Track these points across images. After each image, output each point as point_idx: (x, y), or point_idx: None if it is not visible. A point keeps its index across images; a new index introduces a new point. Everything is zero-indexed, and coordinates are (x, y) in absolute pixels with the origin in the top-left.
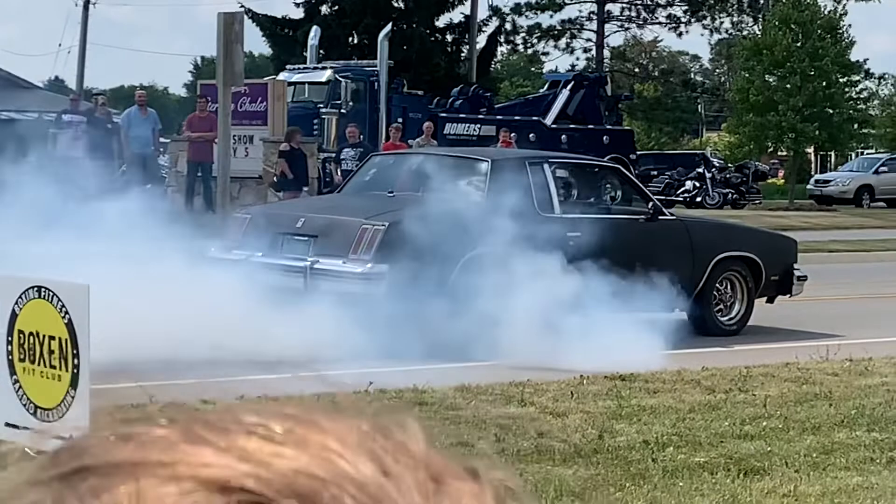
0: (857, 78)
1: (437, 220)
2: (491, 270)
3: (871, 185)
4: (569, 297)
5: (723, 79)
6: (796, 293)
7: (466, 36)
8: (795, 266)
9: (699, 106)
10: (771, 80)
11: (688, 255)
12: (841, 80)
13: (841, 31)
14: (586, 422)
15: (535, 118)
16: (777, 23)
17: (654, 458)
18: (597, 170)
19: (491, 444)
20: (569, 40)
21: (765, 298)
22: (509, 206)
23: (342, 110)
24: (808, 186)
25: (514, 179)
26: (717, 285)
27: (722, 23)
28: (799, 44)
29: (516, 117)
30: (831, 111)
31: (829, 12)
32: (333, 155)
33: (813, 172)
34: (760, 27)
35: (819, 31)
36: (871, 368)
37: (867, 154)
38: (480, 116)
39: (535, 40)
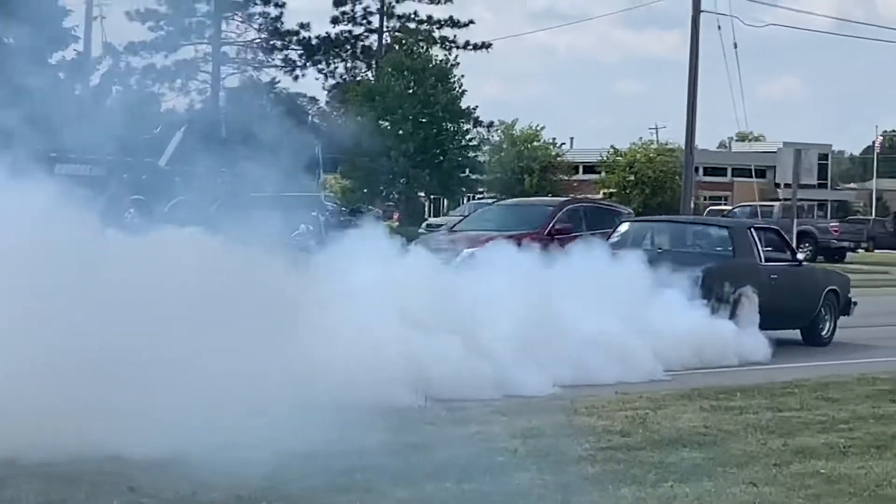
0: (467, 126)
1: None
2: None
3: None
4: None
5: (340, 121)
6: (851, 314)
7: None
8: (850, 294)
9: (316, 148)
10: (384, 125)
11: (813, 289)
12: (451, 127)
13: (452, 80)
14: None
15: (148, 160)
16: (390, 69)
17: None
18: (773, 231)
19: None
20: (184, 81)
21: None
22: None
23: None
24: (420, 231)
25: (745, 241)
26: (821, 310)
27: (336, 68)
28: (411, 91)
29: (128, 158)
30: (442, 158)
31: (441, 61)
32: None
33: (427, 216)
34: (374, 73)
35: (431, 79)
36: (466, 418)
37: (477, 198)
38: (93, 157)
39: (149, 81)
